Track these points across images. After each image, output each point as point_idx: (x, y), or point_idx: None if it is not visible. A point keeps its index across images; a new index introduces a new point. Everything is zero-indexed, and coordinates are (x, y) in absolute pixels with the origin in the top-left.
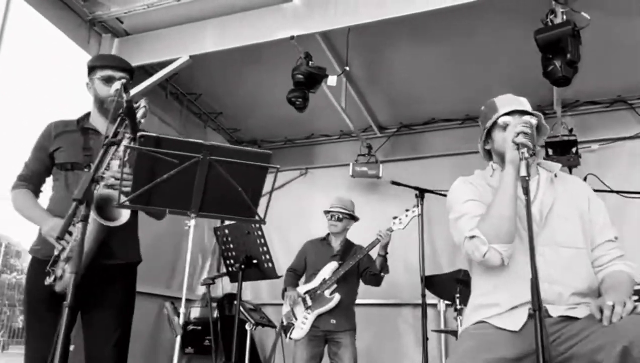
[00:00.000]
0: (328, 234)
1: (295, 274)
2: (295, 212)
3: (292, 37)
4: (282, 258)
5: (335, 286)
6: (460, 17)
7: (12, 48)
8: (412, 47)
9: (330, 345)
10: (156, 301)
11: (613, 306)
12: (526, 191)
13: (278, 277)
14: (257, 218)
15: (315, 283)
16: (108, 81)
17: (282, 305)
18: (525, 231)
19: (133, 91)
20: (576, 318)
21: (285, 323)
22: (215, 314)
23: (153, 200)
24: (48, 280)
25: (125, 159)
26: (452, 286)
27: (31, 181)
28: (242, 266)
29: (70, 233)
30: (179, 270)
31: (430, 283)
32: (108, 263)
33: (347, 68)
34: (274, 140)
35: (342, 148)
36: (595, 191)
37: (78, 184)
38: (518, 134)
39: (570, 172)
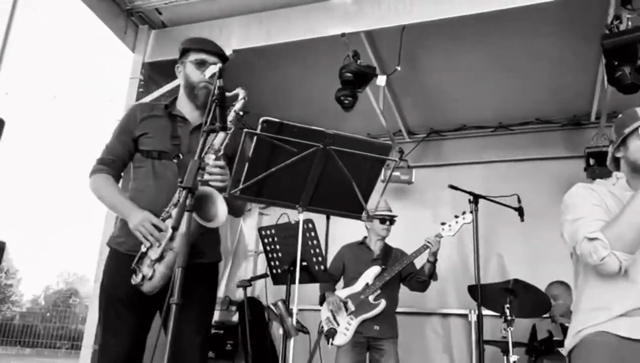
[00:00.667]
0: (365, 237)
1: (332, 279)
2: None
3: (343, 35)
4: None
5: (379, 291)
6: (498, 22)
7: (52, 32)
8: (447, 52)
9: (373, 353)
10: None
11: None
12: None
13: (329, 281)
14: (364, 215)
15: (357, 288)
16: (201, 65)
17: (309, 310)
18: None
19: (165, 88)
20: None
21: (325, 328)
22: (236, 318)
23: (263, 191)
24: (135, 280)
25: (221, 153)
26: (501, 297)
27: (113, 166)
28: (291, 268)
29: (160, 229)
30: None
31: (473, 292)
32: (198, 262)
33: (399, 68)
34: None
35: None
36: None
37: (165, 175)
38: None
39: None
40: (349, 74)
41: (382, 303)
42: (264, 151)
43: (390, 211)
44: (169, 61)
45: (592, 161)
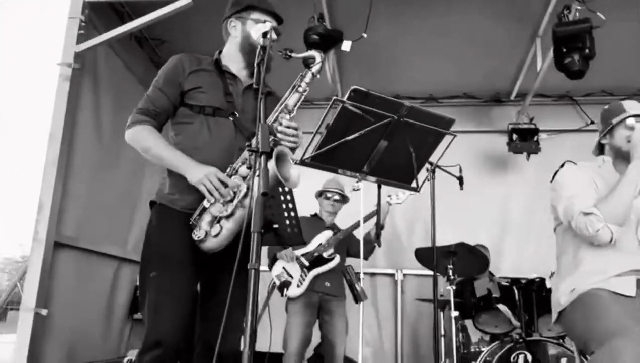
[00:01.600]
0: (315, 214)
1: (302, 242)
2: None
3: None
4: None
5: (332, 250)
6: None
7: None
8: (393, 21)
9: (323, 314)
10: (112, 264)
11: None
12: None
13: (303, 243)
14: (414, 185)
15: (310, 247)
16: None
17: None
18: (635, 217)
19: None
20: None
21: (278, 282)
22: None
23: (331, 158)
24: (197, 235)
25: (294, 113)
26: (445, 258)
27: (157, 118)
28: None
29: (226, 185)
30: (134, 231)
31: (420, 255)
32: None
33: (365, 35)
34: None
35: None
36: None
37: (221, 134)
38: None
39: (529, 158)
40: (315, 36)
41: (337, 258)
42: (345, 119)
43: (341, 189)
44: (111, 2)
45: (514, 137)
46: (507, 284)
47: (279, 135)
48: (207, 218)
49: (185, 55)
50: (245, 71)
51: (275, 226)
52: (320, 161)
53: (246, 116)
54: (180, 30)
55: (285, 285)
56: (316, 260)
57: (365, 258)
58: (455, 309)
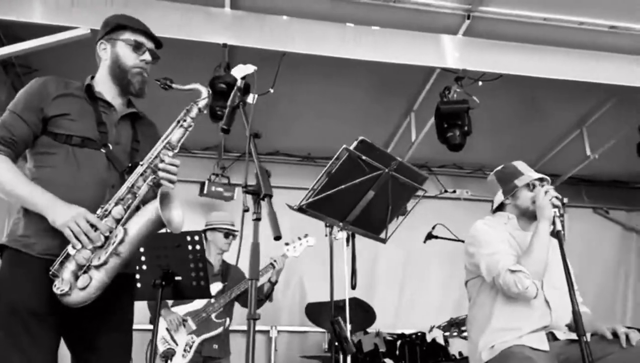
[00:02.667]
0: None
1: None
2: None
3: (225, 45)
4: None
5: (221, 309)
6: (340, 69)
7: None
8: (295, 82)
9: None
10: None
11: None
12: (560, 242)
13: (211, 297)
14: (382, 236)
15: (197, 305)
16: (137, 48)
17: None
18: None
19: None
20: (575, 341)
21: (161, 349)
22: None
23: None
24: (59, 288)
25: (177, 150)
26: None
27: (14, 148)
28: (162, 283)
29: (96, 229)
30: None
31: (310, 311)
32: (124, 272)
33: (272, 91)
34: None
35: (192, 163)
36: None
37: (91, 167)
38: (552, 197)
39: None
40: (223, 85)
41: (227, 322)
42: (347, 167)
43: (233, 225)
44: None
45: None
46: (392, 339)
47: (160, 173)
48: (70, 266)
49: (51, 78)
50: (121, 100)
51: (178, 278)
52: (314, 207)
53: (121, 148)
54: (54, 58)
55: (169, 354)
56: (205, 323)
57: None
58: None
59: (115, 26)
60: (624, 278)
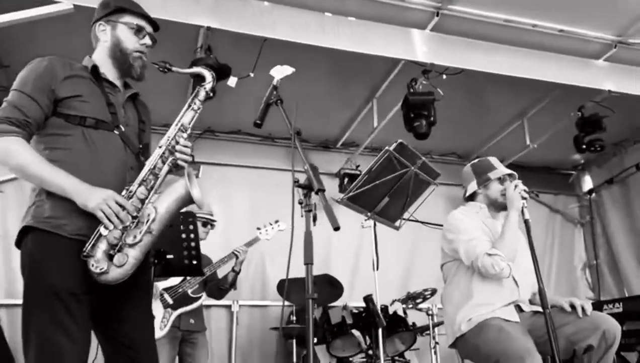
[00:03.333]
0: None
1: (201, 274)
2: None
3: (208, 28)
4: None
5: (197, 286)
6: (306, 52)
7: None
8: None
9: (184, 346)
10: None
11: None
12: (528, 230)
13: (202, 275)
14: (396, 224)
15: (173, 281)
16: (138, 31)
17: None
18: None
19: None
20: (538, 312)
21: None
22: None
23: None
24: (97, 267)
25: (189, 131)
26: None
27: (28, 129)
28: (155, 261)
29: (125, 209)
30: None
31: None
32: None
33: (252, 75)
34: None
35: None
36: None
37: (107, 149)
38: (521, 191)
39: None
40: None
41: (203, 297)
42: (383, 165)
43: (212, 215)
44: None
45: (346, 180)
46: (358, 312)
47: (177, 154)
48: (102, 246)
49: (55, 57)
50: (120, 81)
51: (170, 256)
52: (351, 200)
53: (131, 130)
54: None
55: None
56: (181, 298)
57: (220, 298)
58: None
59: (116, 9)
60: (549, 253)
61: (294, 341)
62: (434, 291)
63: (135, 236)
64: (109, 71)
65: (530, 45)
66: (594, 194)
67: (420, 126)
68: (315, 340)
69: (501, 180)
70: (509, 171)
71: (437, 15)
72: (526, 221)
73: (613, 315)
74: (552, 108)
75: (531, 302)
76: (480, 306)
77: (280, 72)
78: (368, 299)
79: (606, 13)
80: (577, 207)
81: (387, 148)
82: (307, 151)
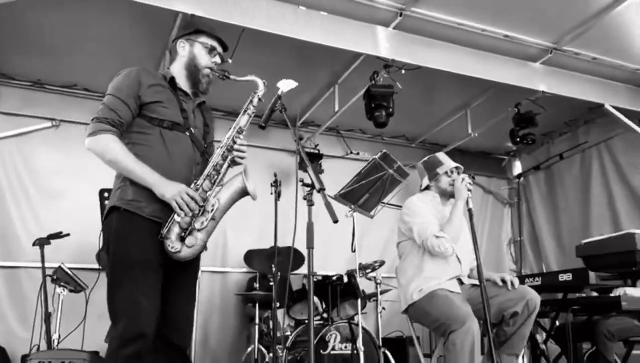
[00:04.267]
0: None
1: None
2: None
3: (192, 15)
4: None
5: None
6: None
7: None
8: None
9: None
10: None
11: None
12: (471, 216)
13: None
14: (371, 213)
15: None
16: (211, 51)
17: None
18: None
19: None
20: (475, 285)
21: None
22: None
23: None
24: (173, 246)
25: (244, 133)
26: (268, 259)
27: (121, 129)
28: None
29: (195, 201)
30: None
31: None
32: None
33: (230, 61)
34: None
35: None
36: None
37: (180, 147)
38: (466, 183)
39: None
40: None
41: None
42: (369, 169)
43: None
44: None
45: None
46: (317, 280)
47: (235, 153)
48: (175, 230)
49: (142, 69)
50: (191, 91)
51: None
52: (343, 196)
53: (198, 132)
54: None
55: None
56: None
57: None
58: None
59: (196, 30)
60: (480, 229)
61: (257, 305)
62: (382, 263)
63: (202, 223)
64: (182, 82)
65: (479, 47)
66: (522, 179)
67: (380, 116)
68: (278, 304)
69: (448, 173)
70: (456, 164)
71: (401, 16)
72: (470, 210)
73: (533, 287)
74: (492, 102)
75: (469, 276)
76: (429, 279)
77: (286, 85)
78: (350, 274)
79: (546, 22)
80: (507, 189)
81: (374, 156)
82: (270, 128)
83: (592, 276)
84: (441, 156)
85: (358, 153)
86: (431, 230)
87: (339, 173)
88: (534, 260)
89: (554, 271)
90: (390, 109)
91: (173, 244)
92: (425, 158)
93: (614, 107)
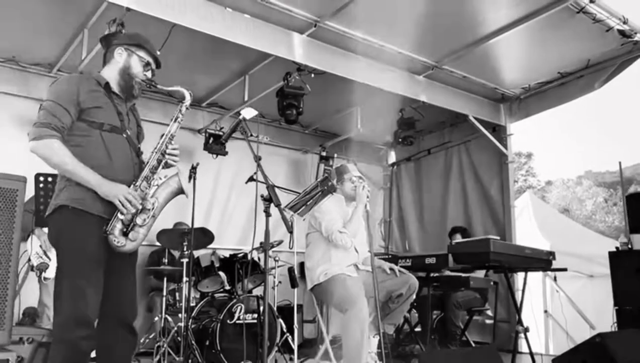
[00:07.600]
0: None
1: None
2: None
3: (128, 9)
4: None
5: None
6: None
7: None
8: None
9: None
10: None
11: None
12: (367, 216)
13: None
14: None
15: None
16: (146, 65)
17: None
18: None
19: None
20: (370, 271)
21: (36, 263)
22: None
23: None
24: (118, 241)
25: (174, 138)
26: (179, 237)
27: (62, 133)
28: None
29: (135, 199)
30: None
31: (161, 237)
32: None
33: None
34: None
35: None
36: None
37: (118, 149)
38: (367, 190)
39: (216, 158)
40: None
41: None
42: (312, 187)
43: None
44: None
45: (211, 140)
46: (224, 257)
47: (167, 156)
48: (118, 226)
49: (81, 75)
50: (123, 95)
51: None
52: (290, 208)
53: (133, 133)
54: None
55: (42, 267)
56: None
57: None
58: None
59: (137, 44)
60: None
61: (165, 279)
62: (280, 242)
63: (144, 219)
64: (115, 86)
65: (377, 59)
66: (395, 167)
67: (291, 115)
68: (186, 279)
69: (352, 181)
70: (359, 174)
71: (315, 26)
72: (367, 211)
73: (404, 266)
74: (382, 103)
75: (364, 264)
76: (333, 265)
77: (248, 113)
78: (291, 269)
79: (433, 43)
80: (383, 175)
81: (317, 181)
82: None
83: (451, 260)
84: (350, 166)
85: (257, 136)
86: (336, 226)
87: (241, 153)
88: (400, 239)
89: (421, 254)
90: (301, 109)
91: (117, 239)
92: (339, 165)
93: (474, 117)
